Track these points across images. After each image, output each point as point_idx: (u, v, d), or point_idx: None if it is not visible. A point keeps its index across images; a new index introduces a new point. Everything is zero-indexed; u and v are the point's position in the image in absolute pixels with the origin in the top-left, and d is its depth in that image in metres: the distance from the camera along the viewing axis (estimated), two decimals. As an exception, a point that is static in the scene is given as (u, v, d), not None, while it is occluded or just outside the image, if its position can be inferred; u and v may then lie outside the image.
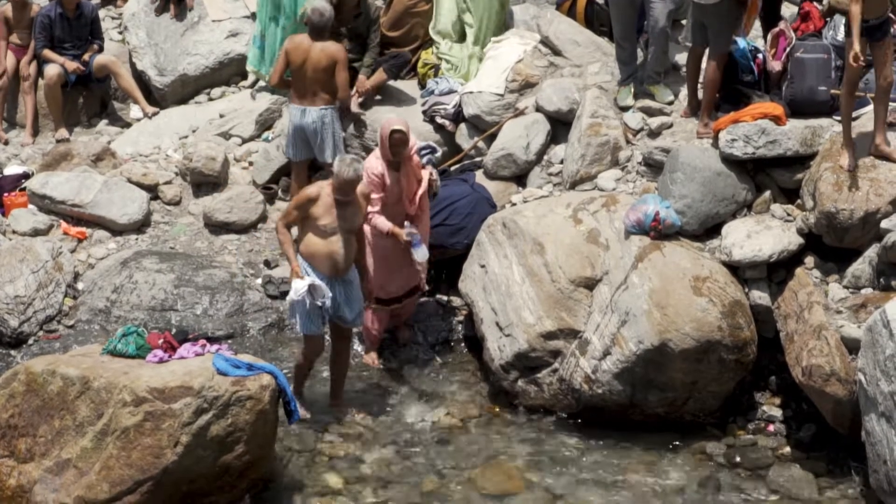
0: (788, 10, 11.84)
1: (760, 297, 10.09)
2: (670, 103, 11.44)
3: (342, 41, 12.08)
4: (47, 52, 13.34)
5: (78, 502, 8.60)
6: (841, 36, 10.57)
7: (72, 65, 13.38)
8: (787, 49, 10.82)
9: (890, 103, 10.02)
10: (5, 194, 12.25)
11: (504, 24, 12.90)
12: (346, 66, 11.75)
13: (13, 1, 13.58)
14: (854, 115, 10.09)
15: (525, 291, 10.25)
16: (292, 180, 12.14)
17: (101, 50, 13.61)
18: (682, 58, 11.65)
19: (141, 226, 12.18)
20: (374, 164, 10.43)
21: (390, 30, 12.90)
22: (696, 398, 9.97)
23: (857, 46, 9.45)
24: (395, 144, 10.35)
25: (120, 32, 14.42)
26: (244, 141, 13.11)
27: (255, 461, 8.95)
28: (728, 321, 9.76)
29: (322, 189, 9.74)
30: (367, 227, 10.24)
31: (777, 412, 10.15)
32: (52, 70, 13.28)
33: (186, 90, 13.89)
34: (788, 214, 10.30)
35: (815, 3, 11.16)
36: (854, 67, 9.56)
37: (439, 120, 12.21)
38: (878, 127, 9.90)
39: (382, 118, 11.12)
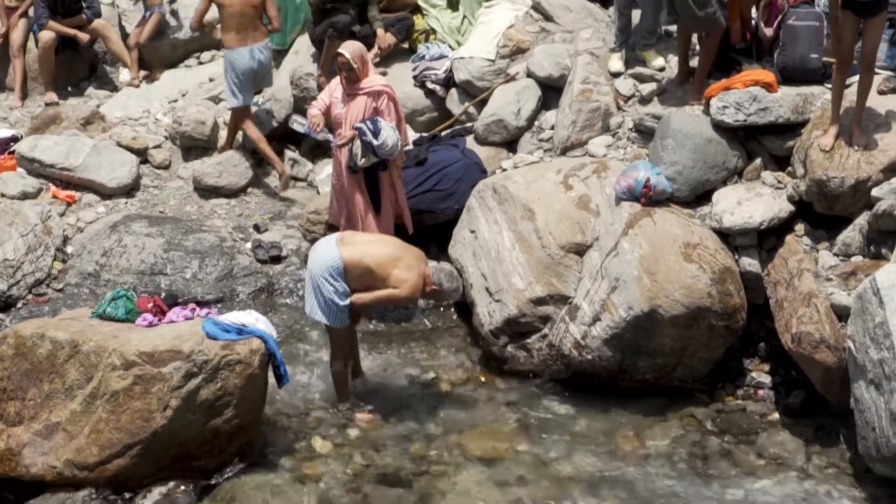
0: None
1: (750, 264, 10.11)
2: (661, 70, 11.42)
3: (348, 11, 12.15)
4: (53, 24, 13.29)
5: (67, 465, 8.60)
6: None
7: (84, 37, 13.38)
8: (780, 16, 10.81)
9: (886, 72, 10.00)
10: (-6, 158, 12.23)
11: None
12: None
13: None
14: (847, 82, 10.04)
15: (515, 257, 10.24)
16: (230, 126, 12.29)
17: (91, 19, 13.55)
18: (673, 28, 11.63)
19: (130, 189, 12.16)
20: (337, 82, 10.65)
21: (379, -4, 12.89)
22: (686, 364, 9.98)
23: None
24: (338, 67, 10.48)
25: (109, -5, 14.39)
26: (234, 105, 13.08)
27: (245, 425, 8.95)
28: (718, 288, 9.76)
29: (418, 285, 9.34)
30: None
31: (766, 379, 10.19)
32: (46, 35, 13.23)
33: (176, 54, 13.84)
34: (779, 182, 10.31)
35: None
36: (838, 47, 9.53)
37: (430, 85, 12.19)
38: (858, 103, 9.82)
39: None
